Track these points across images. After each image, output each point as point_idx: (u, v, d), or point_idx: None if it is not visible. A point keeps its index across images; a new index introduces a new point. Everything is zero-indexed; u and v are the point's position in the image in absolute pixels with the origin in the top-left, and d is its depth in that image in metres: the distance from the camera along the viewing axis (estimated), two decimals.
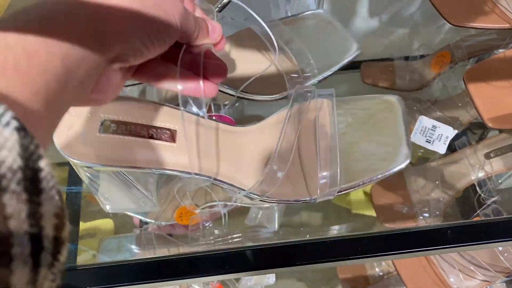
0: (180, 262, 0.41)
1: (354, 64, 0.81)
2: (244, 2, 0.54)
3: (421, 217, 0.68)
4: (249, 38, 0.50)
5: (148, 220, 0.67)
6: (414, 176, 0.73)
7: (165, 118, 0.38)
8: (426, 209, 0.70)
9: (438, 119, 0.61)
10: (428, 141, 0.46)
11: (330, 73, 0.49)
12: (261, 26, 0.46)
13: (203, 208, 0.66)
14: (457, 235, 0.41)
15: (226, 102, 0.63)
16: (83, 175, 0.40)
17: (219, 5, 0.51)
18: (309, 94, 0.43)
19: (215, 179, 0.39)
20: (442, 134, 0.46)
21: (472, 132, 0.83)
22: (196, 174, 0.38)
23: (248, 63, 0.50)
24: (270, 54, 0.49)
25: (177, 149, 0.38)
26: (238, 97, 0.48)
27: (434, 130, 0.46)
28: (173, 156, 0.38)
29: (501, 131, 0.67)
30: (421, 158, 0.81)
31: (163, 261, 0.41)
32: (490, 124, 0.48)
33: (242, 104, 0.68)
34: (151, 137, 0.37)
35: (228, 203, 0.65)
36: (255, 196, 0.39)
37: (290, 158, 0.39)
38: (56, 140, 0.34)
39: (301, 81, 0.48)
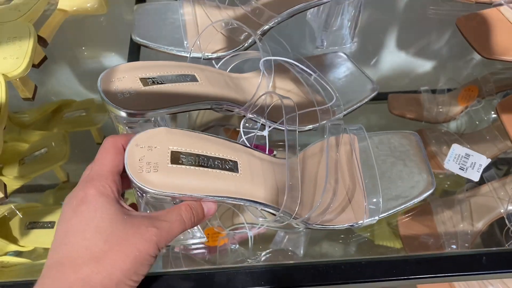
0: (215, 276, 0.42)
1: (382, 95, 0.82)
2: (280, 30, 0.57)
3: (449, 249, 0.68)
4: (281, 73, 0.53)
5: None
6: (441, 208, 0.73)
7: (226, 150, 0.41)
8: (453, 241, 0.69)
9: None
10: (461, 169, 0.47)
11: (353, 109, 0.53)
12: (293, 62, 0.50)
13: (230, 230, 0.67)
14: (492, 262, 0.41)
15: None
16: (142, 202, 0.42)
17: (260, 32, 0.54)
18: (341, 127, 0.46)
19: (269, 206, 0.41)
20: (475, 162, 0.47)
21: (498, 168, 0.83)
22: (259, 203, 0.40)
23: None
24: (301, 87, 0.52)
25: (240, 179, 0.40)
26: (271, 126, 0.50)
27: (467, 158, 0.47)
28: (237, 185, 0.40)
29: None
30: (447, 192, 0.81)
31: (197, 274, 0.42)
32: None
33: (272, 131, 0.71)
34: (217, 168, 0.40)
35: (255, 225, 0.66)
36: (307, 224, 0.41)
37: (334, 186, 0.42)
38: (129, 170, 0.36)
39: (329, 115, 0.50)
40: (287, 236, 0.71)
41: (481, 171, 0.46)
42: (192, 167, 0.38)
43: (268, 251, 0.69)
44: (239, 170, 0.40)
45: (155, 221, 0.34)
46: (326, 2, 0.52)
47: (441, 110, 0.80)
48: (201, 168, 0.39)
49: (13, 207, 0.64)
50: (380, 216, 0.42)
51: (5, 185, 0.60)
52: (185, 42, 0.55)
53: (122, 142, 0.37)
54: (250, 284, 0.41)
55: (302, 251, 0.70)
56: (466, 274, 0.41)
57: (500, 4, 0.58)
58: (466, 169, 0.46)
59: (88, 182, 0.34)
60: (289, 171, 0.43)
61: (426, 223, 0.73)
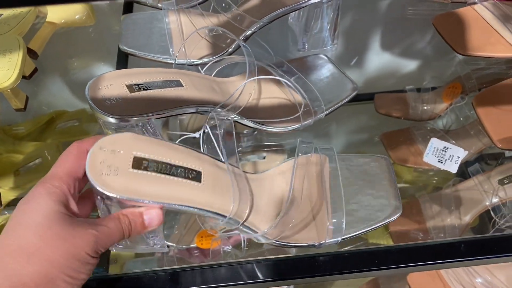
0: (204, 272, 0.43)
1: (368, 95, 0.84)
2: (263, 34, 0.58)
3: None
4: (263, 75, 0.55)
5: (169, 243, 0.70)
6: (429, 203, 0.75)
7: (191, 159, 0.41)
8: (442, 235, 0.71)
9: None
10: (440, 161, 0.48)
11: (334, 109, 0.54)
12: (273, 65, 0.52)
13: (223, 232, 0.68)
14: (471, 249, 0.42)
15: (245, 131, 0.67)
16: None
17: (243, 38, 0.56)
18: (312, 146, 0.48)
19: (231, 218, 0.42)
20: (453, 155, 0.48)
21: (486, 163, 0.85)
22: (218, 214, 0.41)
23: (264, 97, 0.55)
24: (283, 89, 0.53)
25: (202, 189, 0.40)
26: (255, 128, 0.52)
27: (446, 151, 0.49)
28: (199, 195, 0.40)
29: None
30: (435, 188, 0.83)
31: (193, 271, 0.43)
32: (499, 145, 0.50)
33: (260, 133, 0.72)
34: (179, 176, 0.40)
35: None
36: (268, 238, 0.42)
37: (300, 204, 0.43)
38: (89, 172, 0.36)
39: (311, 115, 0.52)
40: None
41: (459, 163, 0.48)
42: (154, 174, 0.38)
43: (260, 250, 0.70)
44: (202, 180, 0.41)
45: (95, 225, 0.34)
46: (305, 6, 0.54)
47: (426, 108, 0.82)
48: (163, 175, 0.38)
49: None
50: (343, 237, 0.42)
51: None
52: (171, 50, 0.57)
53: (88, 146, 0.37)
54: (240, 278, 0.43)
55: (294, 250, 0.71)
56: (447, 262, 0.42)
57: (474, 3, 0.60)
58: (445, 161, 0.48)
59: (41, 181, 0.34)
60: (251, 184, 0.44)
61: (415, 218, 0.74)
